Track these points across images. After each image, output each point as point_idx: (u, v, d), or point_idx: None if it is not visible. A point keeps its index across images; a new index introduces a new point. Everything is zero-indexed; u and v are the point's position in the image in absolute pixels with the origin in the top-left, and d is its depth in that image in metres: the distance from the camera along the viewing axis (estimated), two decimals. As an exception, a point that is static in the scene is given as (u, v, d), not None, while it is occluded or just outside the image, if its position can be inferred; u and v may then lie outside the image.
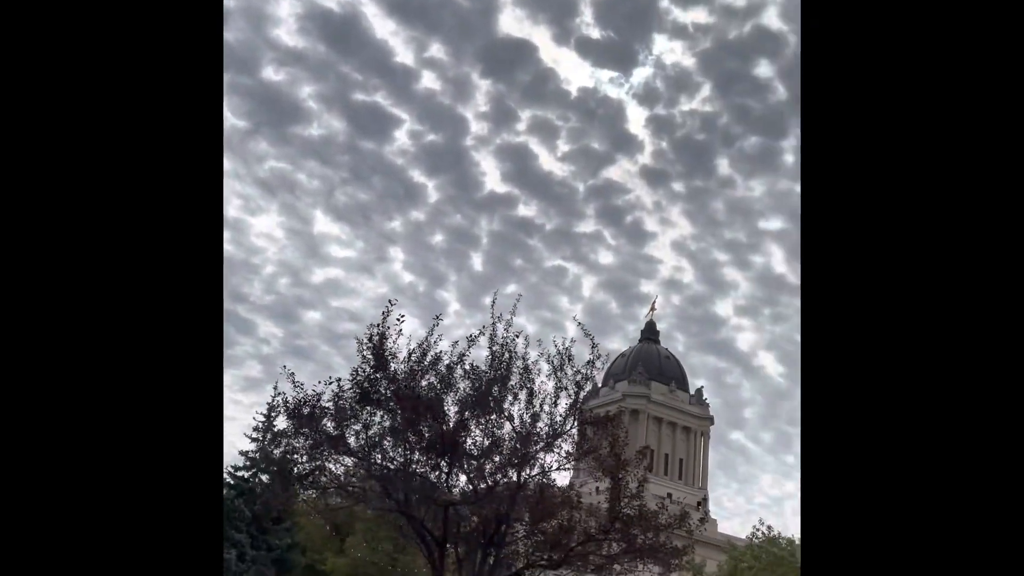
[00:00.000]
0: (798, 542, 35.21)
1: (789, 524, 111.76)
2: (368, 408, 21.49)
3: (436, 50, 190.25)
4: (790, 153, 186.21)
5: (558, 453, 23.05)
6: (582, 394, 22.88)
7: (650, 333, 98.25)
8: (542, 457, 22.86)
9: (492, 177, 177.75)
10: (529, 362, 22.68)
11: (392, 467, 21.87)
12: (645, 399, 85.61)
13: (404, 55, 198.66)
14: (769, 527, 36.38)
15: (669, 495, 25.08)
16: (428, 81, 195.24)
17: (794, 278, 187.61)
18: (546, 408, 22.62)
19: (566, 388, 22.56)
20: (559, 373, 22.54)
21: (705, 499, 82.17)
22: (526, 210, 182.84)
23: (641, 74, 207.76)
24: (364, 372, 21.34)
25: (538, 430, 22.51)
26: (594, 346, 22.78)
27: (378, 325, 21.68)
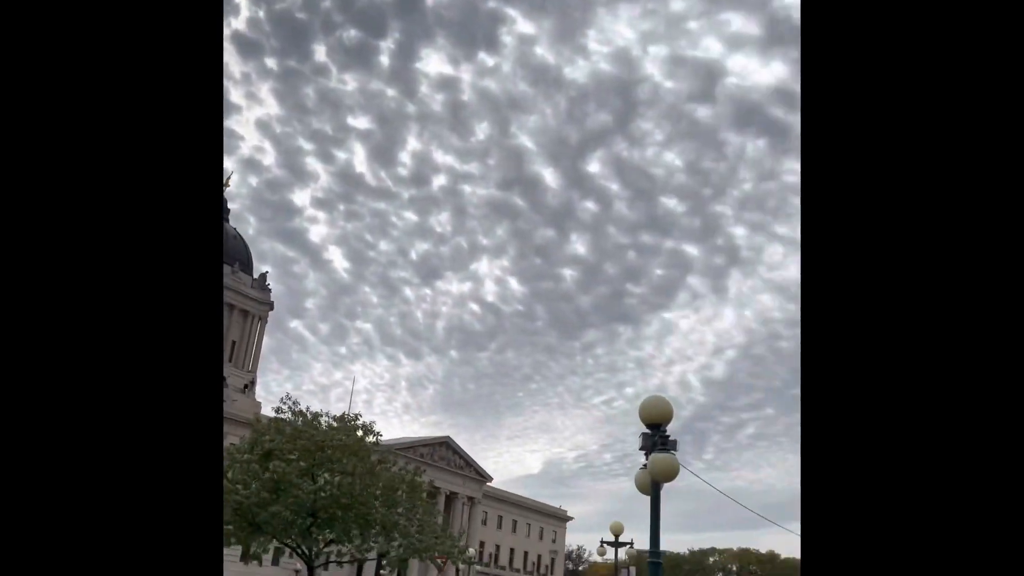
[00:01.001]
0: (327, 419, 36.68)
1: (332, 408, 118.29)
2: None
3: None
4: (385, 54, 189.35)
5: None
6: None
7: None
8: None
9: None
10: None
11: None
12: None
13: None
14: (296, 402, 37.03)
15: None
16: None
17: (372, 179, 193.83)
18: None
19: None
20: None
21: (253, 382, 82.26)
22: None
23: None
24: None
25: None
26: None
27: None
